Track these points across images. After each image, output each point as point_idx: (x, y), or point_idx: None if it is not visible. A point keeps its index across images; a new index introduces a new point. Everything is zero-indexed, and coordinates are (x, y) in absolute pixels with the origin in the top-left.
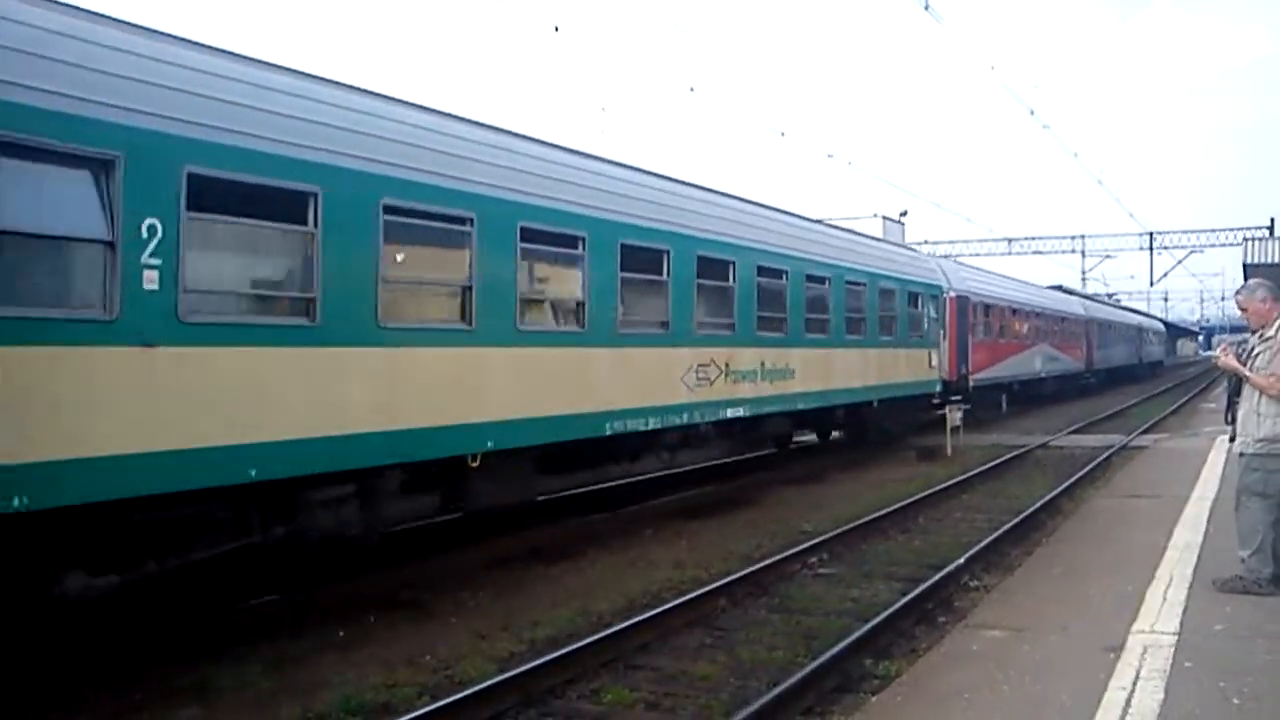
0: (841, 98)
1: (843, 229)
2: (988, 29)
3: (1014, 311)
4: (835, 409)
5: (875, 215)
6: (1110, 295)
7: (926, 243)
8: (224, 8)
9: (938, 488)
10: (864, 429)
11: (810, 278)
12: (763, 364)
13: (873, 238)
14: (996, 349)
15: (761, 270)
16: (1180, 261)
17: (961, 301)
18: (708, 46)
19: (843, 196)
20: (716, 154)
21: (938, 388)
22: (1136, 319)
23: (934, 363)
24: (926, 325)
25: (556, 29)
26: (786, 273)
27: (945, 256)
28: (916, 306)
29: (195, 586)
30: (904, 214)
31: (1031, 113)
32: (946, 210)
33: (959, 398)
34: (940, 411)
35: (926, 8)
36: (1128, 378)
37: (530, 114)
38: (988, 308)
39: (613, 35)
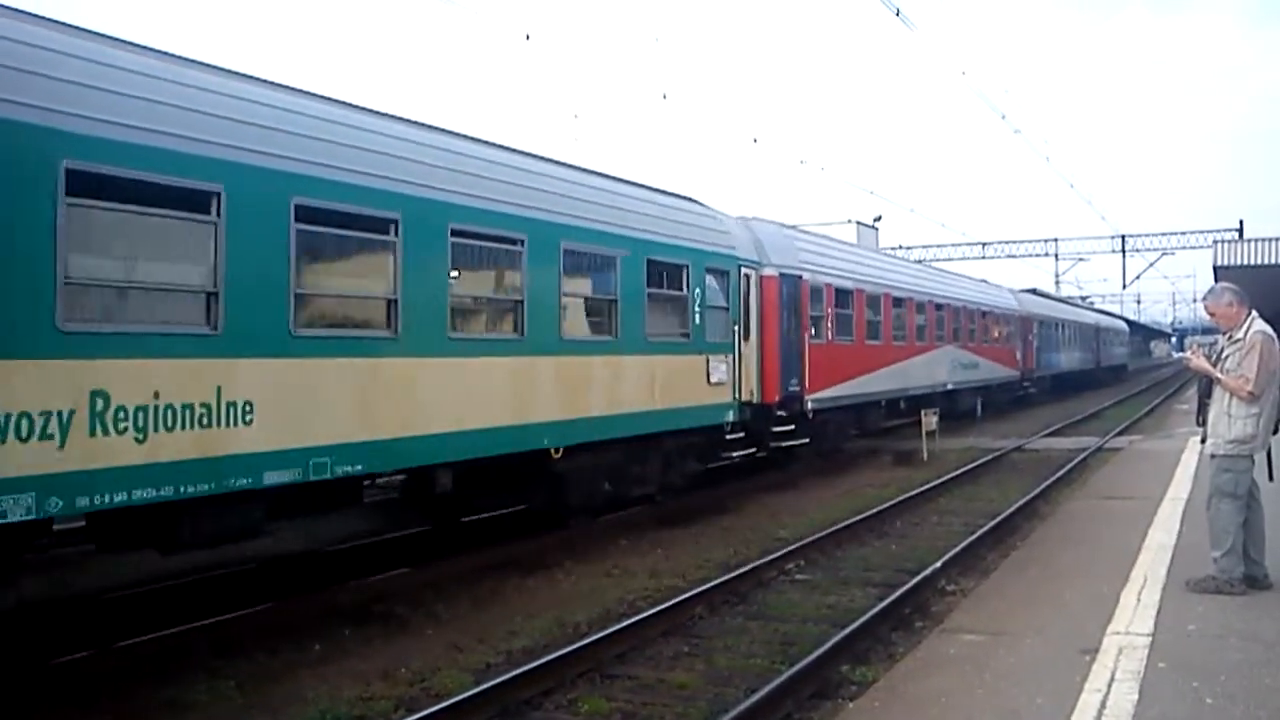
0: (814, 104)
1: (480, 140)
2: (959, 35)
3: (898, 302)
4: (433, 470)
5: (849, 221)
6: (1084, 298)
7: (901, 247)
8: (204, 19)
9: (913, 492)
10: (554, 497)
11: (338, 217)
12: (103, 401)
13: (571, 165)
14: (860, 354)
15: (122, 187)
16: (1152, 264)
17: (789, 284)
18: (681, 54)
19: (816, 203)
20: (689, 161)
21: (730, 415)
22: (1093, 316)
23: (720, 377)
24: (699, 318)
25: (528, 37)
26: (216, 197)
27: (919, 261)
28: (677, 286)
29: (168, 602)
30: (878, 219)
31: (1003, 117)
32: (921, 216)
33: (788, 428)
34: (737, 454)
35: (898, 14)
36: (1082, 385)
37: (503, 120)
38: (843, 294)
39: (585, 43)
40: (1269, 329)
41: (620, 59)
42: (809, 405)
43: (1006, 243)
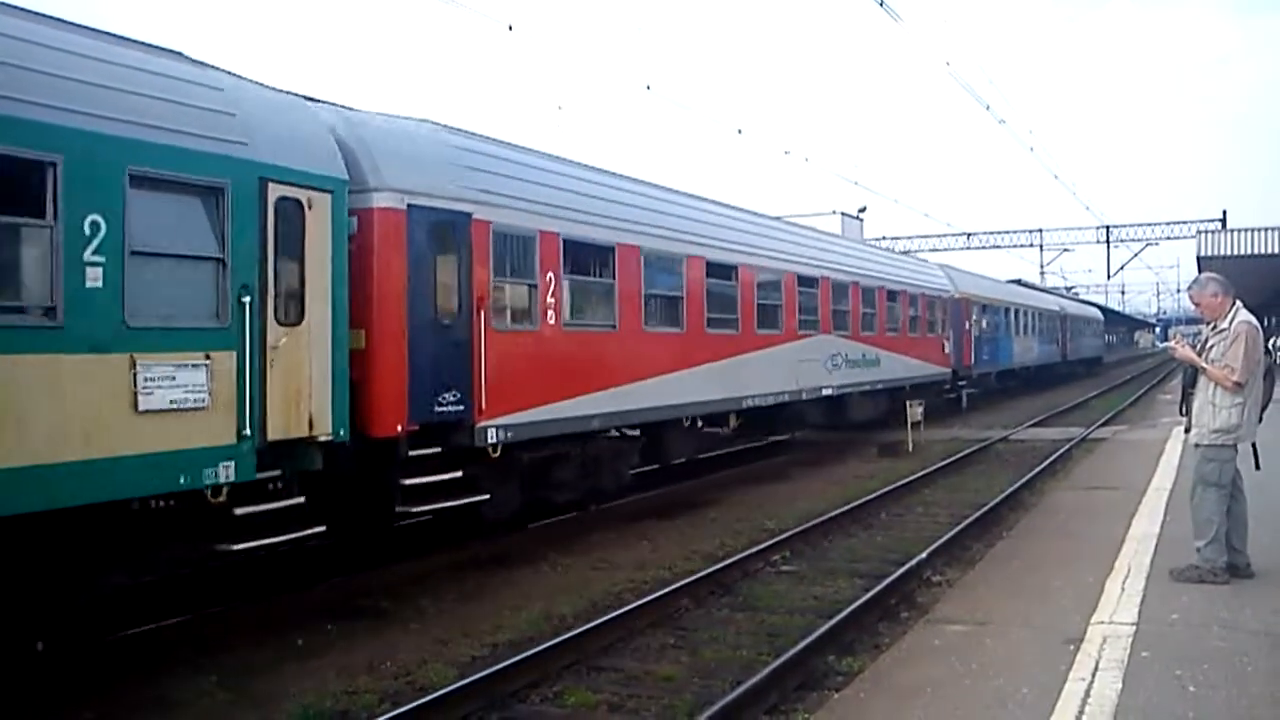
0: (798, 95)
1: None
2: (943, 26)
3: (720, 269)
4: None
5: (834, 212)
6: (1069, 288)
7: (885, 238)
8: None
9: (899, 483)
10: None
11: None
12: None
13: None
14: (628, 349)
15: None
16: (1136, 254)
17: (436, 226)
18: (664, 45)
19: (800, 194)
20: (673, 152)
21: (229, 472)
22: (1057, 302)
23: (188, 397)
24: (101, 277)
25: (510, 27)
26: None
27: (906, 252)
28: (9, 204)
29: (152, 597)
30: (863, 210)
31: (988, 108)
32: (905, 206)
33: (451, 476)
34: (244, 546)
35: (881, 4)
36: (1044, 382)
37: (485, 112)
38: (587, 250)
39: (568, 34)
40: (1253, 319)
41: (604, 50)
42: (489, 437)
43: (992, 233)
